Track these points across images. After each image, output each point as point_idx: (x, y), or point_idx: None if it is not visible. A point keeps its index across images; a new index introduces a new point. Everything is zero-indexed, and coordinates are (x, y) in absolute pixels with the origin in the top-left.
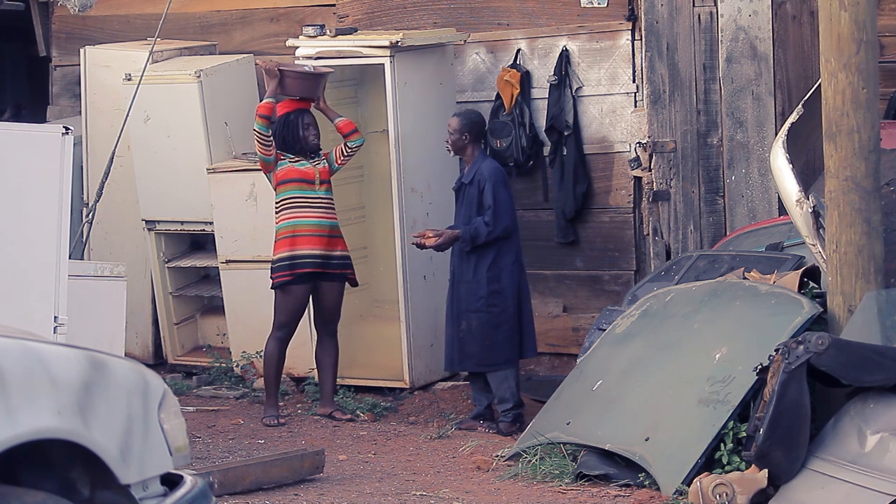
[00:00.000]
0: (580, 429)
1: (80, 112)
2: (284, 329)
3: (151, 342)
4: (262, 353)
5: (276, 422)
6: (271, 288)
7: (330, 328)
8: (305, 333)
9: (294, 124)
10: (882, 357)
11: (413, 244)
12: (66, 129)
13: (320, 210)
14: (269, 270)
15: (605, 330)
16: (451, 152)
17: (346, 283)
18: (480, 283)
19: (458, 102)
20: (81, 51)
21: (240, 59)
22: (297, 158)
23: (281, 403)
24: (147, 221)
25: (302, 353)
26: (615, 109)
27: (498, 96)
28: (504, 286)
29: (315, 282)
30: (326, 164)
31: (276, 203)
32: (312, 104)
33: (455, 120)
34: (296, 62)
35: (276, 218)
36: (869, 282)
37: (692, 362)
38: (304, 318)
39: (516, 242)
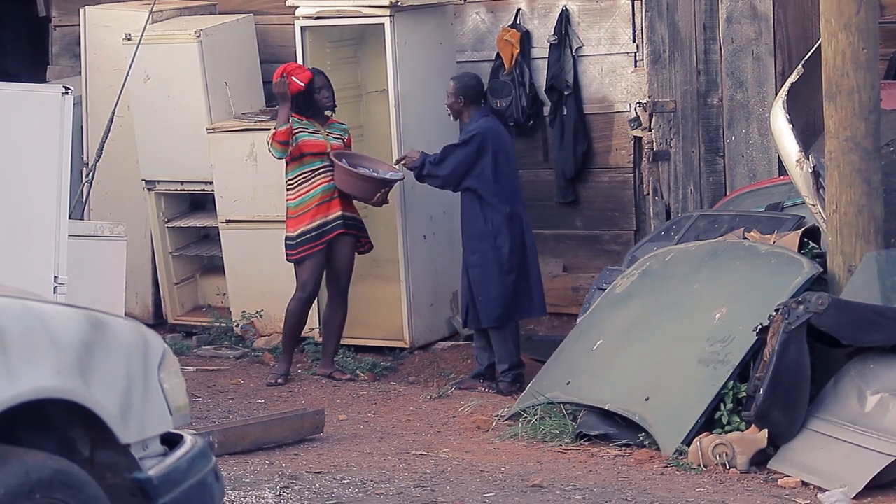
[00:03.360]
0: (580, 389)
1: (80, 72)
2: (308, 289)
3: (151, 302)
4: (263, 313)
5: (275, 381)
6: (296, 262)
7: (342, 289)
8: None
9: (307, 87)
10: (882, 317)
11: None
12: (66, 89)
13: (332, 175)
14: (289, 246)
15: (605, 290)
16: (452, 117)
17: (357, 249)
18: (473, 240)
19: (457, 62)
20: (81, 11)
21: (239, 18)
22: (313, 129)
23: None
24: (147, 181)
25: None
26: (615, 69)
27: (498, 56)
28: (499, 244)
29: (331, 242)
30: (342, 144)
31: (293, 178)
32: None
33: (451, 84)
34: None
35: (293, 193)
36: (869, 242)
37: (692, 322)
38: None
39: (509, 198)
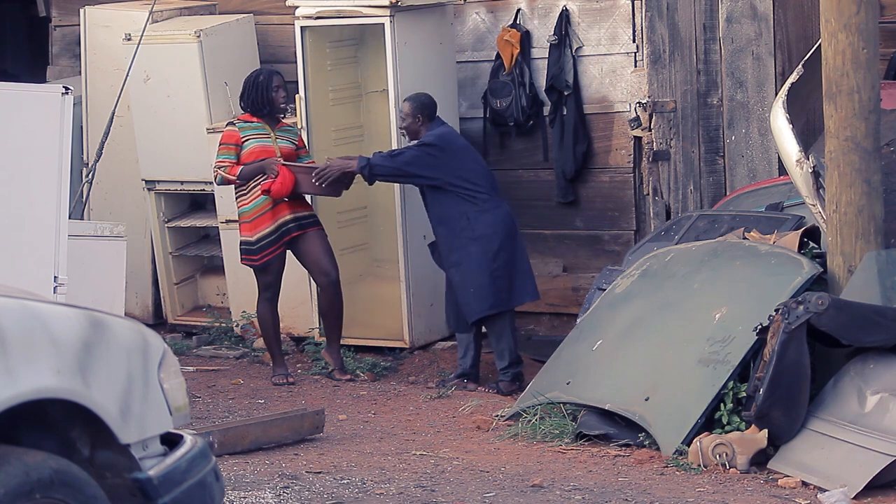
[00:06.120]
0: (580, 389)
1: (80, 72)
2: (271, 289)
3: (151, 302)
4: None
5: (285, 381)
6: (258, 267)
7: (333, 280)
8: (305, 293)
9: (263, 86)
10: (882, 317)
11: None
12: (66, 89)
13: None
14: (249, 251)
15: (605, 290)
16: (407, 137)
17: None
18: (450, 239)
19: (458, 62)
20: (81, 11)
21: (239, 18)
22: (262, 133)
23: None
24: (147, 181)
25: (302, 312)
26: (615, 69)
27: (498, 56)
28: (477, 234)
29: (292, 243)
30: (292, 147)
31: (243, 183)
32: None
33: (406, 105)
34: None
35: (246, 198)
36: (869, 242)
37: (692, 322)
38: (303, 276)
39: (488, 188)
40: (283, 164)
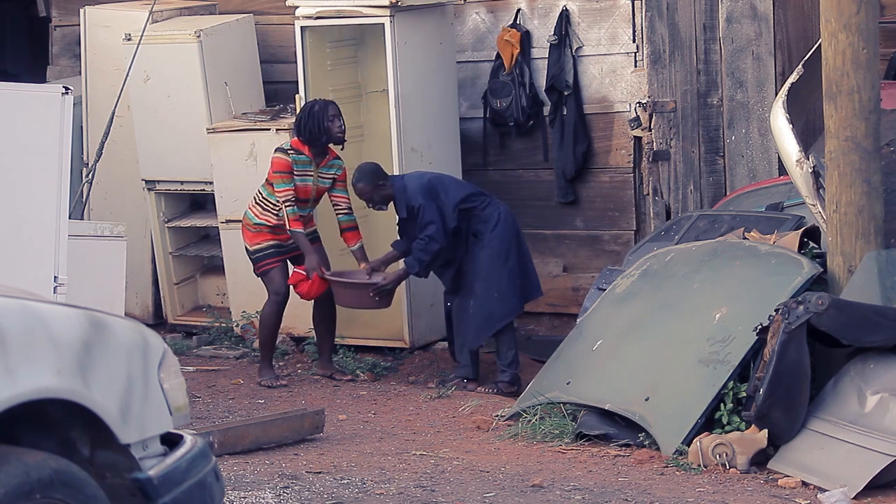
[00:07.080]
0: (580, 389)
1: (80, 72)
2: (282, 293)
3: (151, 302)
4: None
5: (272, 384)
6: (260, 274)
7: (326, 292)
8: None
9: (319, 116)
10: (882, 317)
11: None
12: (66, 89)
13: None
14: (251, 260)
15: (605, 290)
16: (384, 207)
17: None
18: (476, 263)
19: (458, 62)
20: (81, 11)
21: (240, 18)
22: (306, 171)
23: (281, 363)
24: (147, 181)
25: (302, 312)
26: (615, 69)
27: (498, 56)
28: (484, 243)
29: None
30: (330, 184)
31: (266, 202)
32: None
33: (360, 185)
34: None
35: (261, 215)
36: (869, 242)
37: (692, 322)
38: None
39: (480, 199)
40: (327, 279)
